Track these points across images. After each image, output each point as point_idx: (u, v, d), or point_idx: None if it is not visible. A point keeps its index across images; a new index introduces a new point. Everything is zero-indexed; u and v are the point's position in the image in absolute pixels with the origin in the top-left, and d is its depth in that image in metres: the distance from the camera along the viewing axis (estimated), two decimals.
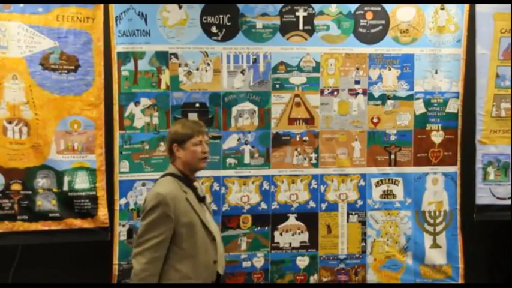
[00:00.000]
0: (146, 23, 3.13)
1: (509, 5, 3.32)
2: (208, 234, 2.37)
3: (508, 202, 3.39)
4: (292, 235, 3.32)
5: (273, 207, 3.30)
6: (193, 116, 3.20)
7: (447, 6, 3.34)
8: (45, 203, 3.04)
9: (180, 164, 2.40)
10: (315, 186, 3.34)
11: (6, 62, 2.97)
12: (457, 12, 3.36)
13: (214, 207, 3.21)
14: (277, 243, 3.30)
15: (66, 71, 3.05)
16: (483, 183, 3.42)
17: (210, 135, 3.20)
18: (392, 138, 3.39)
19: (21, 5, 2.97)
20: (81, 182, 3.08)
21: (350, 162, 3.37)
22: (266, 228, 3.30)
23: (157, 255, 2.23)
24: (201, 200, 2.44)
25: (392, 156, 3.40)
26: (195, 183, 2.47)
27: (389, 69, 3.36)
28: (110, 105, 3.13)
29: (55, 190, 3.05)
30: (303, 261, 3.33)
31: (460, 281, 3.40)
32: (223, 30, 3.21)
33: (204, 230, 2.35)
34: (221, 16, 3.20)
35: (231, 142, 3.25)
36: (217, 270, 2.40)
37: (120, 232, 3.12)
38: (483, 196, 3.41)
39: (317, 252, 3.35)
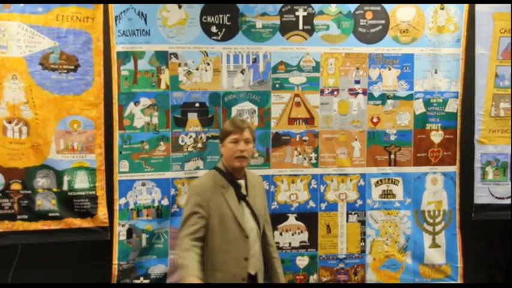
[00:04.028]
0: (146, 23, 3.13)
1: (509, 5, 3.32)
2: (241, 230, 2.40)
3: (507, 201, 3.39)
4: (292, 235, 3.32)
5: (272, 207, 3.30)
6: (192, 116, 3.21)
7: (447, 6, 3.34)
8: (45, 202, 3.04)
9: (224, 160, 2.50)
10: (315, 186, 3.34)
11: (6, 62, 2.97)
12: (457, 12, 3.36)
13: None
14: (277, 243, 3.28)
15: (66, 71, 3.04)
16: (482, 182, 3.42)
17: (209, 134, 3.22)
18: (392, 138, 3.39)
19: (21, 4, 2.97)
20: (81, 182, 3.08)
21: (350, 162, 3.37)
22: None
23: (192, 243, 2.32)
24: (241, 197, 2.46)
25: (392, 156, 3.40)
26: (240, 181, 2.49)
27: (389, 69, 3.36)
28: (110, 105, 3.12)
29: (55, 190, 3.06)
30: (302, 261, 3.34)
31: (460, 280, 3.41)
32: (223, 29, 3.21)
33: (236, 225, 2.40)
34: (221, 16, 3.20)
35: None
36: (248, 269, 2.42)
37: (120, 232, 3.12)
38: (482, 196, 3.41)
39: (317, 252, 3.35)
